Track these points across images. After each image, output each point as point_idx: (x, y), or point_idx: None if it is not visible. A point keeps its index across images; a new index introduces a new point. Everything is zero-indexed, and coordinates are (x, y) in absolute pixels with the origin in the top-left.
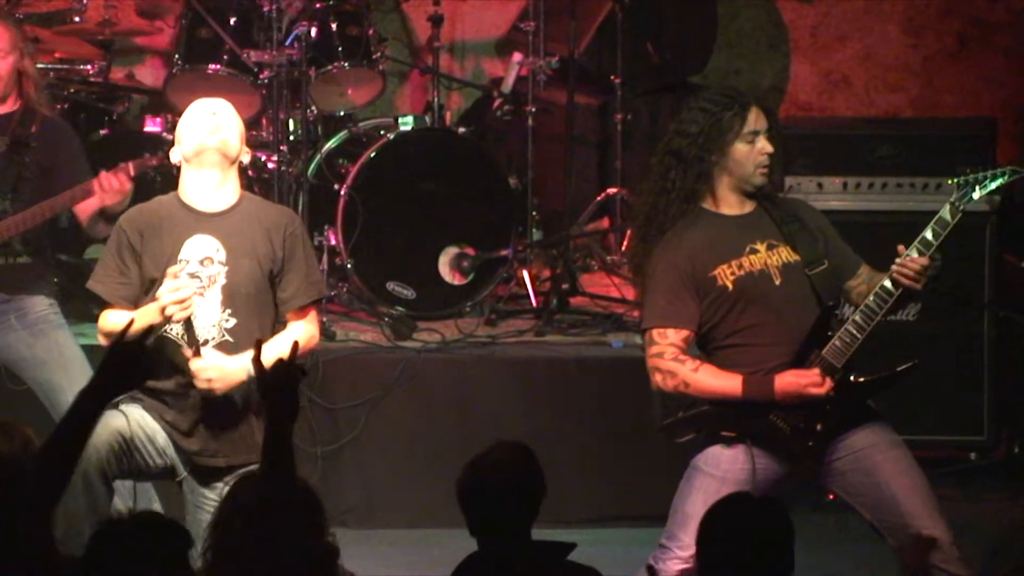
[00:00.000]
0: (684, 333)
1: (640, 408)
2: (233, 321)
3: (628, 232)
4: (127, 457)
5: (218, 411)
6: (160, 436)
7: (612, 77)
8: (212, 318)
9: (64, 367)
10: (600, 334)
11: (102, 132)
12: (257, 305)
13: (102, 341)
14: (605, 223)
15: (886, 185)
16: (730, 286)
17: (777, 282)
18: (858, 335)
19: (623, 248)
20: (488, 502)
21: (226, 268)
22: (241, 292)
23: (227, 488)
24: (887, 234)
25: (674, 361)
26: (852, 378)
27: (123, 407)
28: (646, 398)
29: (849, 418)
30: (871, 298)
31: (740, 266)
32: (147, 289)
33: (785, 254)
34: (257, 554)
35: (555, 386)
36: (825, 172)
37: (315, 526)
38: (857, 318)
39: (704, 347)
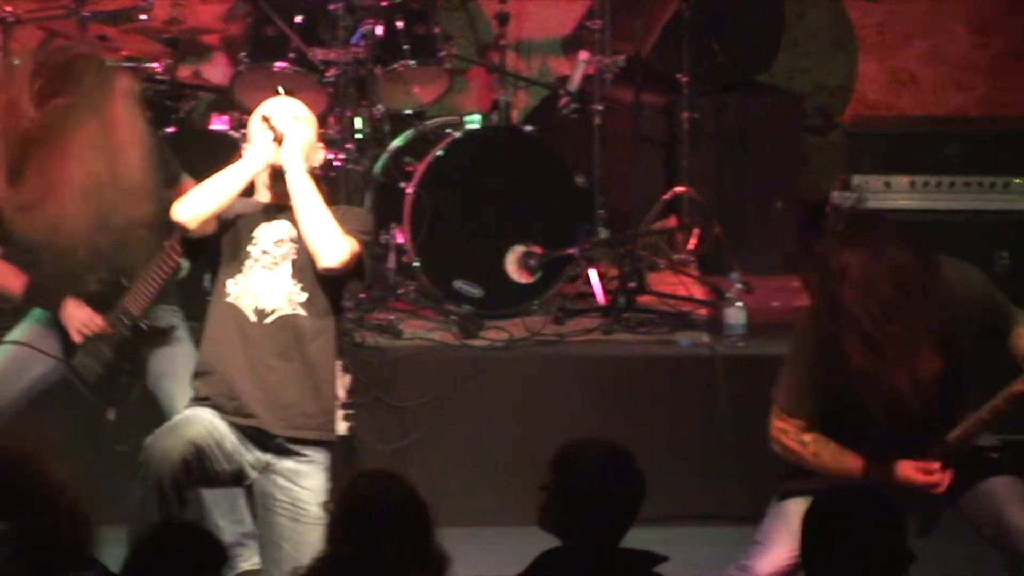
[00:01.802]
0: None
1: (708, 407)
2: (304, 296)
3: (695, 230)
4: (199, 466)
5: (274, 382)
6: (228, 440)
7: (678, 76)
8: (283, 291)
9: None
10: (667, 332)
11: (169, 130)
12: (327, 280)
13: None
14: (672, 221)
15: (953, 184)
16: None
17: None
18: (983, 428)
19: (689, 246)
20: (590, 501)
21: (297, 245)
22: (311, 267)
23: (296, 488)
24: (954, 233)
25: (796, 442)
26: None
27: (194, 410)
28: (713, 397)
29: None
30: (1004, 400)
31: None
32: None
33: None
34: (369, 555)
35: (622, 385)
36: (892, 171)
37: (425, 529)
38: (984, 415)
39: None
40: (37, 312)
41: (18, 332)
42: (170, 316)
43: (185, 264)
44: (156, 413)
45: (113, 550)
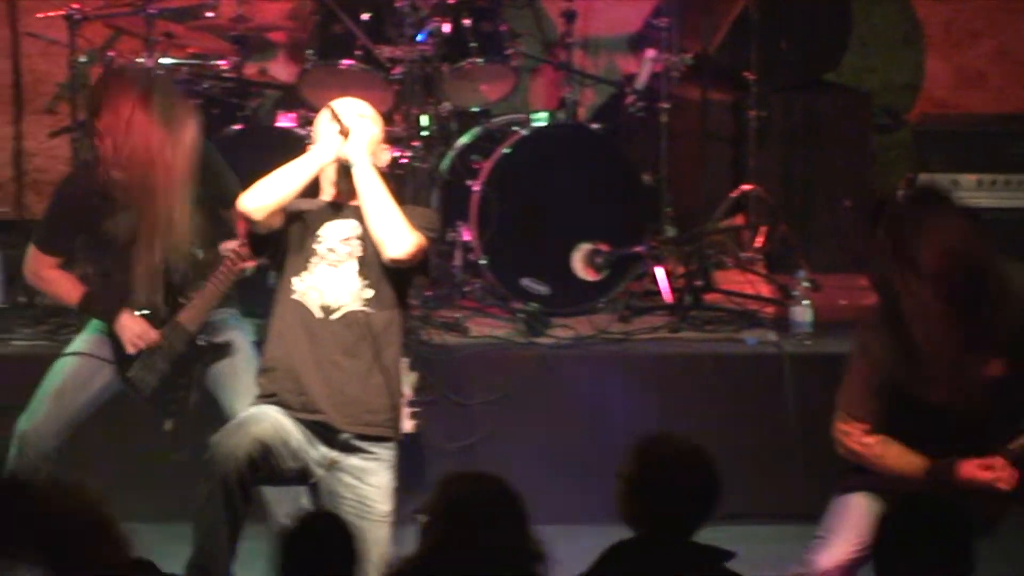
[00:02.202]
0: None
1: (774, 405)
2: (370, 292)
3: (762, 228)
4: (265, 463)
5: (340, 379)
6: (293, 438)
7: (746, 74)
8: (349, 288)
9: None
10: (734, 331)
11: (235, 128)
12: (394, 277)
13: None
14: (739, 220)
15: (1022, 182)
16: None
17: None
18: None
19: (757, 244)
20: (663, 496)
21: (362, 243)
22: (377, 264)
23: (362, 486)
24: (1022, 231)
25: (859, 444)
26: None
27: (260, 407)
28: (780, 395)
29: None
30: None
31: None
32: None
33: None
34: (461, 553)
35: (689, 383)
36: (960, 169)
37: (520, 527)
38: None
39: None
40: (97, 322)
41: (79, 343)
42: (229, 319)
43: (250, 265)
44: (213, 422)
45: (181, 548)
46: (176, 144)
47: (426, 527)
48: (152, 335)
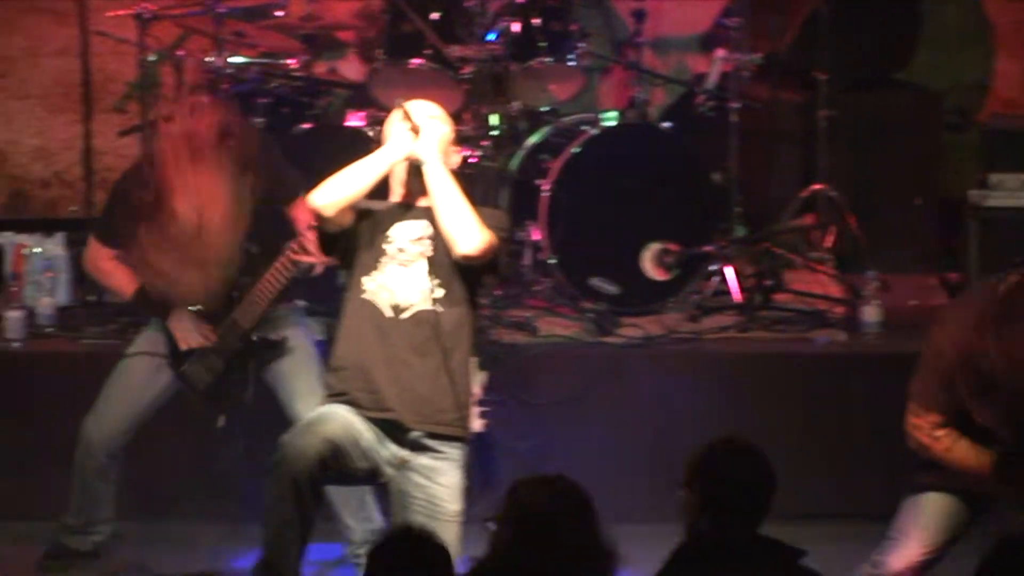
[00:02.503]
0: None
1: (844, 404)
2: (441, 292)
3: (832, 228)
4: (335, 463)
5: (410, 377)
6: (363, 438)
7: (816, 73)
8: (419, 287)
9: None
10: (804, 330)
11: (304, 126)
12: (463, 276)
13: None
14: (809, 219)
15: None
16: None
17: None
18: None
19: (826, 244)
20: (720, 496)
21: (433, 243)
22: (447, 263)
23: (432, 485)
24: None
25: (929, 437)
26: None
27: (330, 407)
28: (850, 394)
29: None
30: None
31: None
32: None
33: None
34: (533, 555)
35: (758, 382)
36: None
37: (591, 527)
38: None
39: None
40: (156, 320)
41: (141, 341)
42: (289, 316)
43: (316, 262)
44: (269, 418)
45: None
46: (221, 147)
47: (497, 530)
48: (205, 332)
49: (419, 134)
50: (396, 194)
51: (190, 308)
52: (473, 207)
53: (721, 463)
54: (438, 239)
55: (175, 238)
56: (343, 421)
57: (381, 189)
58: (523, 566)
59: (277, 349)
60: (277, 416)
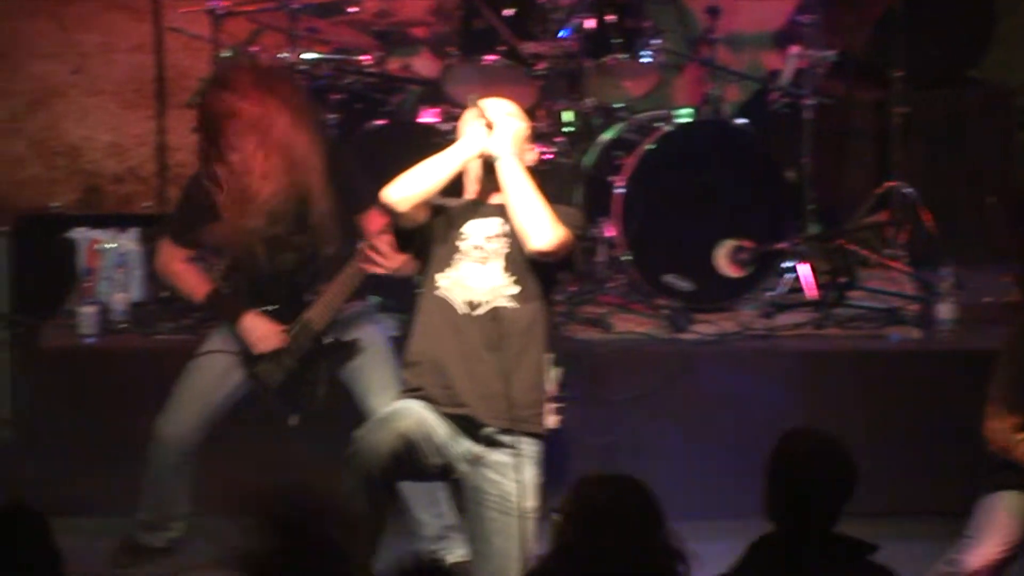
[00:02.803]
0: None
1: (919, 401)
2: (515, 289)
3: (906, 225)
4: (409, 459)
5: (485, 373)
6: (437, 434)
7: (890, 70)
8: (493, 284)
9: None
10: (878, 327)
11: (378, 123)
12: (537, 273)
13: None
14: (883, 216)
15: None
16: None
17: None
18: None
19: (900, 241)
20: (801, 488)
21: (507, 240)
22: (522, 260)
23: (506, 481)
24: None
25: (1007, 440)
26: None
27: (405, 403)
28: (924, 392)
29: None
30: None
31: None
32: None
33: None
34: (597, 551)
35: (832, 380)
36: None
37: (655, 525)
38: None
39: None
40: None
41: (213, 340)
42: (363, 314)
43: (388, 270)
44: (342, 417)
45: None
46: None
47: (561, 527)
48: (277, 337)
49: (493, 130)
50: (470, 191)
51: (262, 310)
52: (547, 204)
53: (803, 457)
54: (512, 236)
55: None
56: (417, 417)
57: (455, 186)
58: (586, 563)
59: (349, 350)
60: (350, 413)
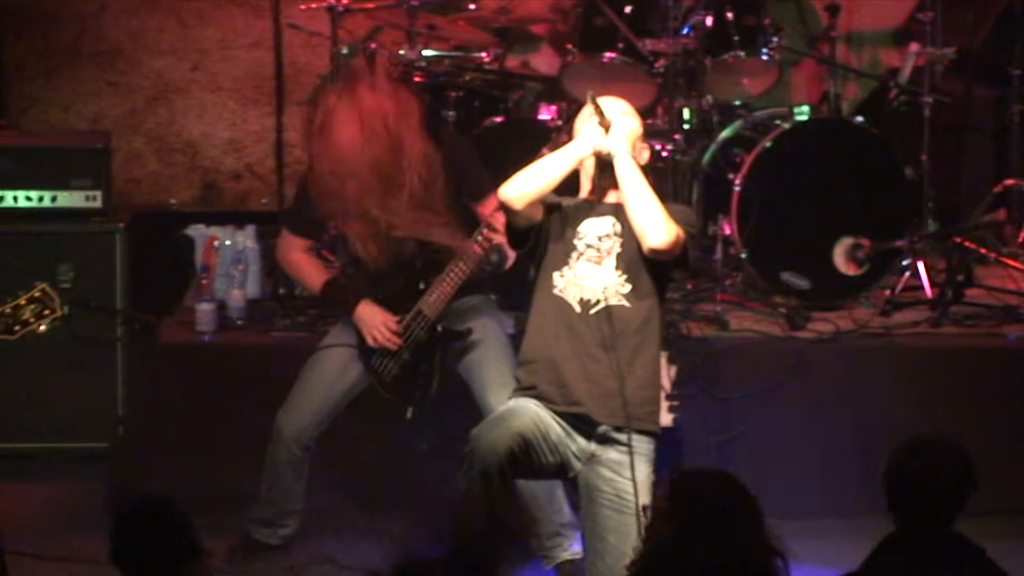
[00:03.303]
0: None
1: None
2: (628, 287)
3: None
4: (525, 457)
5: (599, 372)
6: (553, 431)
7: (1010, 68)
8: (607, 283)
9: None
10: (995, 326)
11: (496, 120)
12: (652, 272)
13: None
14: (1001, 214)
15: None
16: None
17: None
18: None
19: (1019, 240)
20: (921, 490)
21: (621, 239)
22: (636, 259)
23: (620, 479)
24: None
25: None
26: None
27: (520, 401)
28: None
29: None
30: None
31: None
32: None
33: None
34: (693, 548)
35: (950, 378)
36: None
37: (753, 522)
38: None
39: None
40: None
41: (333, 334)
42: (479, 306)
43: (510, 255)
44: (453, 412)
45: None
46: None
47: (657, 523)
48: (390, 325)
49: (609, 129)
50: (584, 189)
51: (376, 300)
52: (661, 202)
53: (924, 459)
54: (626, 235)
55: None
56: (533, 415)
57: (571, 187)
58: (683, 560)
59: (463, 340)
60: (465, 407)
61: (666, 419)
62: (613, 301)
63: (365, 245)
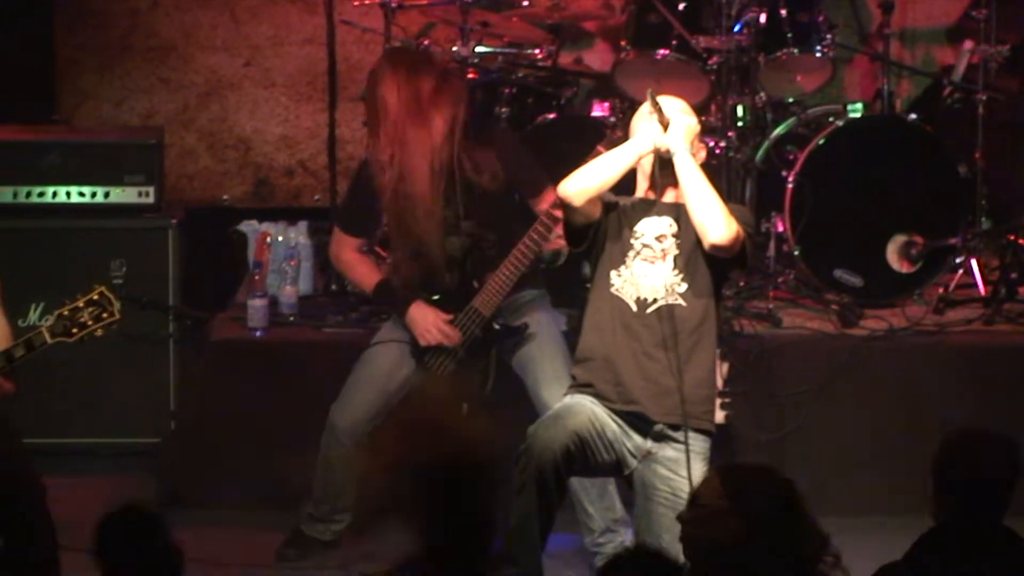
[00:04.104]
0: None
1: None
2: (684, 287)
3: None
4: (581, 456)
5: (656, 371)
6: (609, 429)
7: None
8: (664, 282)
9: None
10: None
11: (549, 117)
12: (709, 271)
13: None
14: None
15: None
16: None
17: None
18: None
19: None
20: (968, 484)
21: (678, 240)
22: (693, 259)
23: (676, 478)
24: None
25: None
26: None
27: (576, 399)
28: None
29: None
30: None
31: None
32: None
33: None
34: (742, 550)
35: (1003, 375)
36: None
37: (799, 517)
38: None
39: None
40: None
41: (386, 329)
42: (534, 301)
43: (563, 251)
44: (508, 407)
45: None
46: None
47: (703, 520)
48: (443, 326)
49: (668, 127)
50: (641, 188)
51: (429, 299)
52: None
53: (971, 454)
54: (683, 236)
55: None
56: (589, 413)
57: (627, 186)
58: (727, 555)
59: (519, 336)
60: (519, 403)
61: (719, 416)
62: (669, 300)
63: (421, 241)
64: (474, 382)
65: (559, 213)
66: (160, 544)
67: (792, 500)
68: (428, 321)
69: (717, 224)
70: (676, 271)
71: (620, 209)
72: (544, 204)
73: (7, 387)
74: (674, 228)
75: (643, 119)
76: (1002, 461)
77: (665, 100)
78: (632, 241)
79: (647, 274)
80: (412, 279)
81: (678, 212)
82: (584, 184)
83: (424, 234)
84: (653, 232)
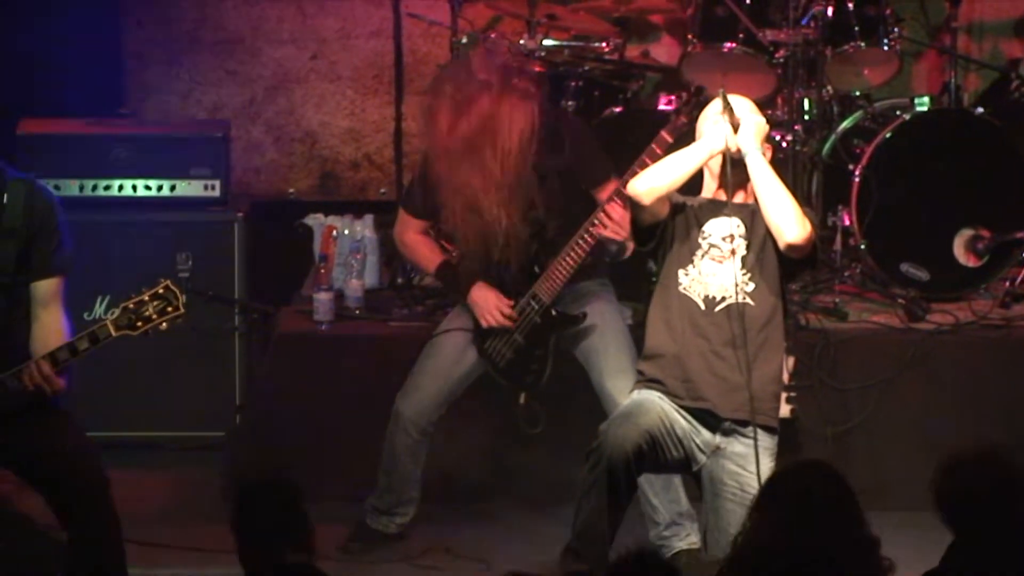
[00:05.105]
0: None
1: None
2: (752, 286)
3: None
4: (651, 453)
5: (724, 368)
6: (679, 426)
7: None
8: (732, 281)
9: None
10: None
11: (616, 110)
12: (777, 270)
13: None
14: None
15: None
16: None
17: None
18: None
19: None
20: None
21: (746, 241)
22: (761, 258)
23: (744, 473)
24: None
25: None
26: None
27: (645, 395)
28: None
29: None
30: None
31: None
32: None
33: None
34: (795, 543)
35: None
36: None
37: (852, 516)
38: None
39: None
40: None
41: (451, 318)
42: (597, 290)
43: (628, 246)
44: (566, 397)
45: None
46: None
47: (756, 514)
48: (504, 310)
49: (739, 127)
50: (709, 188)
51: (490, 283)
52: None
53: (958, 476)
54: (752, 236)
55: (483, 215)
56: (659, 411)
57: (695, 187)
58: (781, 551)
59: (577, 324)
60: (581, 395)
61: (784, 410)
62: (737, 299)
63: (457, 221)
64: (533, 371)
65: (616, 207)
66: (299, 516)
67: (837, 496)
68: (489, 303)
69: (792, 224)
70: (744, 271)
71: (687, 209)
72: (607, 195)
73: (59, 384)
74: (742, 229)
75: (711, 119)
76: (990, 481)
77: (733, 99)
78: (700, 240)
79: (715, 273)
80: (475, 262)
81: (747, 213)
82: (654, 183)
83: (491, 219)
84: (721, 232)
